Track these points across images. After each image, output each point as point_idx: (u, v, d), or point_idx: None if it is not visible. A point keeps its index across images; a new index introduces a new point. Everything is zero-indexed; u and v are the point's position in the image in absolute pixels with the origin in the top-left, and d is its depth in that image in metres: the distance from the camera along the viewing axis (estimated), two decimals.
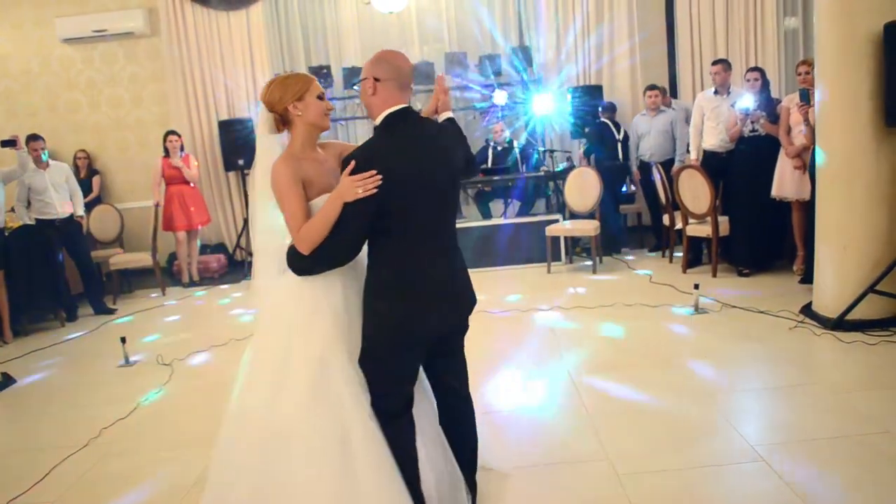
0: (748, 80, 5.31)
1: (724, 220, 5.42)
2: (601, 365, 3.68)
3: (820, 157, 3.97)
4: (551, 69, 7.60)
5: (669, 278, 5.44)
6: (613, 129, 6.86)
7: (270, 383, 2.07)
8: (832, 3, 3.76)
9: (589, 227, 6.01)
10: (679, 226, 5.80)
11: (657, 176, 6.15)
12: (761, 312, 4.28)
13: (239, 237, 7.79)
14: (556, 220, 6.46)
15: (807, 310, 4.15)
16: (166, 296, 6.70)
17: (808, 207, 4.63)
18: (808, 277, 4.60)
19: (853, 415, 2.82)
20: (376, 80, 2.00)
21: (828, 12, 3.80)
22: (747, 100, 5.21)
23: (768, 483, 2.35)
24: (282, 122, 2.11)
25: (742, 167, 5.35)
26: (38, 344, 5.26)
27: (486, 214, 7.29)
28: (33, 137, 5.84)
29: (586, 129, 7.03)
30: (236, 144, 7.30)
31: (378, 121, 2.02)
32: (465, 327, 2.22)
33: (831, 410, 2.87)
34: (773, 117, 5.16)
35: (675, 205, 5.78)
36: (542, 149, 7.37)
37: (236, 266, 7.66)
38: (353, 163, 1.89)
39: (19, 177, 5.63)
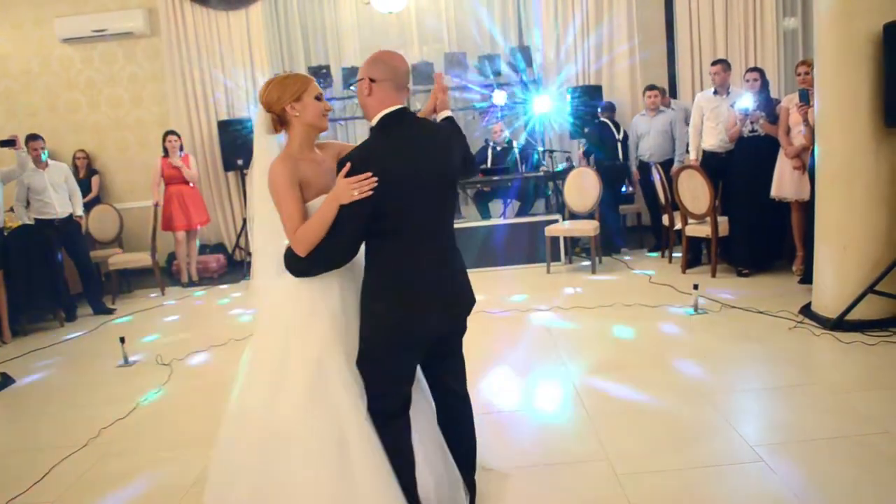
0: (747, 81, 5.31)
1: (723, 221, 5.42)
2: (601, 365, 3.68)
3: (819, 158, 3.97)
4: (551, 69, 7.60)
5: (669, 278, 5.44)
6: (613, 130, 6.86)
7: (269, 384, 2.06)
8: (832, 3, 3.76)
9: (588, 228, 6.01)
10: (678, 226, 5.80)
11: (656, 176, 6.15)
12: (761, 313, 4.28)
13: (238, 237, 7.79)
14: (556, 221, 6.46)
15: (806, 310, 4.15)
16: (165, 296, 6.70)
17: (808, 208, 4.63)
18: (807, 278, 4.61)
19: (852, 415, 2.82)
20: (372, 80, 1.99)
21: (827, 12, 3.80)
22: (747, 100, 5.21)
23: (768, 483, 2.35)
24: (280, 122, 2.09)
25: (741, 167, 5.35)
26: (37, 344, 5.26)
27: (486, 215, 7.28)
28: (33, 137, 5.84)
29: (586, 130, 7.02)
30: (236, 144, 7.30)
31: (374, 122, 2.01)
32: (464, 328, 2.21)
33: (831, 411, 2.87)
34: (773, 117, 5.16)
35: (674, 205, 5.78)
36: (541, 149, 7.36)
37: (235, 266, 7.66)
38: (348, 164, 1.88)
39: (18, 176, 5.63)
